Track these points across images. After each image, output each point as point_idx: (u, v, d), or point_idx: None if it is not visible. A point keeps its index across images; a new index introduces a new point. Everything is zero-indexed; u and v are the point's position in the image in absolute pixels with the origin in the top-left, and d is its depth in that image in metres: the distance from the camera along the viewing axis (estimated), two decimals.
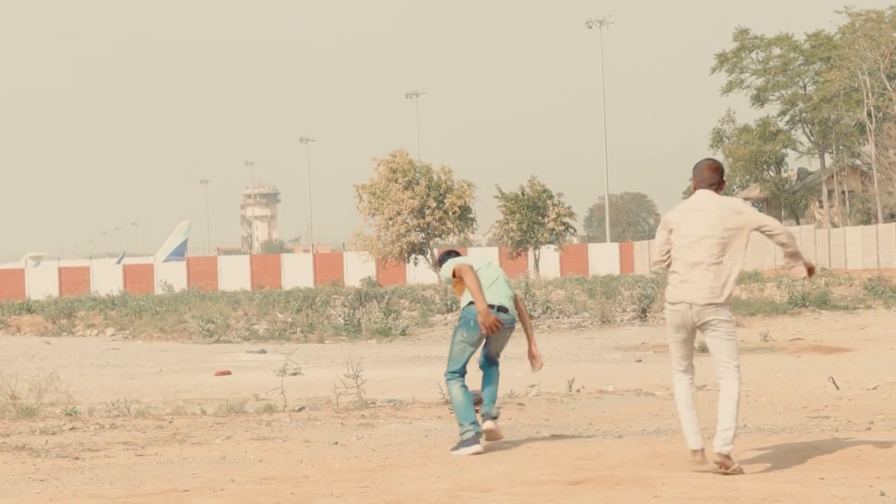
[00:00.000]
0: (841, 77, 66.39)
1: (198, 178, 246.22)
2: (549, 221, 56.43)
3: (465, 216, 53.90)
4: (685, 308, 8.26)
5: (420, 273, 61.00)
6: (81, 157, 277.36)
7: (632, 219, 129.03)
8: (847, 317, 30.48)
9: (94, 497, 7.82)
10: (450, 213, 53.10)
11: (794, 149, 74.40)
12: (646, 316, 30.63)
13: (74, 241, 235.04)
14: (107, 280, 71.59)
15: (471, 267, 10.19)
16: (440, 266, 10.48)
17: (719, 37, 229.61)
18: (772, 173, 75.02)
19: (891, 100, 64.29)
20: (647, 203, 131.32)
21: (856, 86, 65.93)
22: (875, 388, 14.46)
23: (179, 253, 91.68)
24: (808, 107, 71.38)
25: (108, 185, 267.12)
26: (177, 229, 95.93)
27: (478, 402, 12.18)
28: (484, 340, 10.13)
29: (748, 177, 75.59)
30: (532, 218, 56.10)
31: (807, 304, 32.25)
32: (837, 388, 14.43)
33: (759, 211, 8.71)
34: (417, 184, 53.08)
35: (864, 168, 71.78)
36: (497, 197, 57.09)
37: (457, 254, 10.71)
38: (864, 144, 69.84)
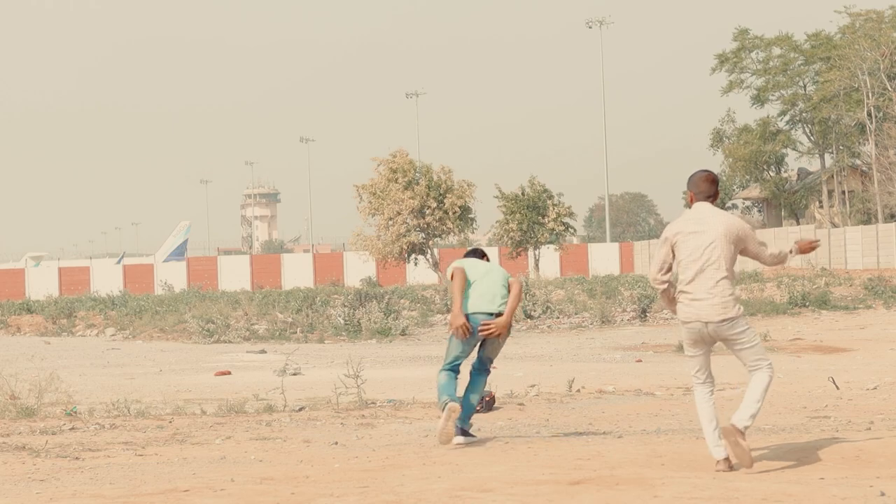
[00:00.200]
0: (841, 77, 66.38)
1: (198, 178, 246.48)
2: (549, 221, 56.43)
3: (465, 216, 53.90)
4: (700, 326, 8.31)
5: (420, 273, 61.00)
6: (81, 157, 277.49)
7: (632, 219, 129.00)
8: (847, 317, 30.47)
9: (94, 497, 7.82)
10: (450, 213, 53.10)
11: (794, 149, 74.39)
12: (646, 316, 30.63)
13: (74, 241, 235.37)
14: (107, 280, 71.60)
15: (462, 270, 10.42)
16: None
17: (719, 37, 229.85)
18: (772, 173, 74.99)
19: (891, 100, 64.28)
20: (647, 203, 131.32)
21: (856, 86, 65.92)
22: (875, 388, 14.46)
23: (179, 253, 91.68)
24: (808, 107, 71.37)
25: (108, 185, 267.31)
26: (177, 229, 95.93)
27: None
28: (478, 344, 10.42)
29: (748, 177, 75.56)
30: (532, 218, 56.11)
31: (807, 304, 32.24)
32: (837, 388, 14.43)
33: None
34: (417, 184, 53.09)
35: (864, 168, 71.76)
36: (497, 197, 57.11)
37: (481, 253, 10.82)
38: (864, 144, 69.82)
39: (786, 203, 74.81)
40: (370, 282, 62.06)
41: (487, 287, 10.46)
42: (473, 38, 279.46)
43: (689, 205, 8.68)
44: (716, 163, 75.94)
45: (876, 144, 65.17)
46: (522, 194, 56.55)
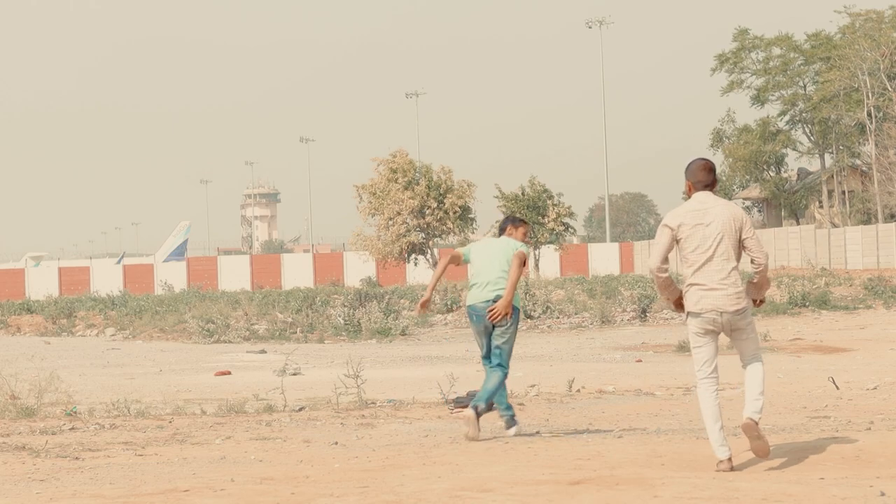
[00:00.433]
0: (841, 77, 66.37)
1: (198, 178, 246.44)
2: (549, 221, 56.42)
3: (465, 216, 53.87)
4: (715, 316, 8.33)
5: (420, 273, 61.00)
6: (81, 157, 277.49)
7: (632, 219, 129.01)
8: (847, 317, 30.47)
9: (94, 497, 7.82)
10: (450, 213, 53.08)
11: (794, 149, 74.37)
12: (646, 316, 30.63)
13: (74, 241, 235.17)
14: (107, 280, 71.57)
15: (457, 254, 10.94)
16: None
17: (719, 37, 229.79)
18: (772, 173, 74.98)
19: (891, 100, 64.28)
20: (647, 203, 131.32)
21: (856, 86, 65.91)
22: (875, 388, 14.46)
23: (179, 253, 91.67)
24: (808, 107, 71.35)
25: (108, 185, 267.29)
26: (177, 229, 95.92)
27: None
28: (488, 332, 10.65)
29: (748, 177, 75.55)
30: (532, 218, 56.09)
31: (807, 304, 32.24)
32: (837, 388, 14.43)
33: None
34: (417, 184, 53.07)
35: (864, 168, 71.75)
36: (497, 197, 57.08)
37: (516, 221, 11.15)
38: (864, 144, 69.81)
39: (786, 203, 74.80)
40: (370, 282, 62.07)
41: (485, 276, 10.70)
42: (473, 38, 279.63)
43: (687, 195, 8.65)
44: (716, 162, 75.77)
45: (876, 144, 65.16)
46: (522, 194, 56.54)
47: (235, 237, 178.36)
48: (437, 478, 8.16)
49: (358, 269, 68.35)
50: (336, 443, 10.46)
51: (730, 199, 75.61)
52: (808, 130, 73.50)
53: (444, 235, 54.73)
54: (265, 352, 24.90)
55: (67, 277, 75.35)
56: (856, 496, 7.14)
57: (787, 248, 62.00)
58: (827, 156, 73.50)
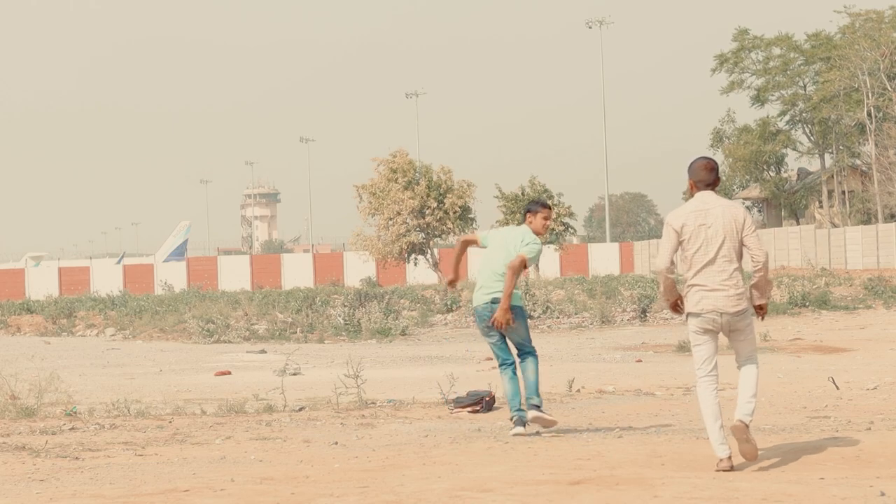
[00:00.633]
0: (841, 77, 66.37)
1: (198, 178, 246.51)
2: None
3: (465, 216, 53.87)
4: (715, 316, 8.35)
5: (420, 273, 61.00)
6: (81, 157, 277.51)
7: (632, 219, 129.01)
8: (847, 317, 30.47)
9: (94, 497, 7.82)
10: (450, 213, 53.07)
11: (794, 149, 74.36)
12: (646, 316, 30.62)
13: (74, 241, 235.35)
14: (107, 280, 71.55)
15: (475, 238, 11.05)
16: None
17: (719, 37, 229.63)
18: (772, 173, 74.98)
19: (891, 100, 64.27)
20: (647, 203, 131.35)
21: (856, 86, 65.91)
22: (875, 388, 14.46)
23: (179, 253, 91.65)
24: (808, 107, 71.35)
25: (108, 185, 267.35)
26: (177, 229, 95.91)
27: (478, 402, 12.36)
28: (496, 331, 10.69)
29: (748, 177, 75.54)
30: None
31: (807, 304, 32.24)
32: (837, 388, 14.43)
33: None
34: (417, 184, 53.07)
35: (864, 168, 71.75)
36: (497, 197, 57.07)
37: (540, 204, 11.04)
38: (864, 144, 69.81)
39: (786, 203, 74.81)
40: (370, 282, 62.04)
41: (483, 277, 10.80)
42: (473, 38, 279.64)
43: (690, 193, 8.65)
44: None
45: (876, 144, 65.16)
46: (522, 194, 56.51)
47: (235, 237, 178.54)
48: (437, 478, 8.16)
49: (358, 269, 68.33)
50: (336, 443, 10.46)
51: (730, 199, 75.57)
52: (808, 130, 73.51)
53: (444, 235, 54.72)
54: (265, 352, 24.90)
55: (67, 277, 75.35)
56: (856, 496, 7.15)
57: (787, 248, 62.01)
58: (827, 156, 73.51)
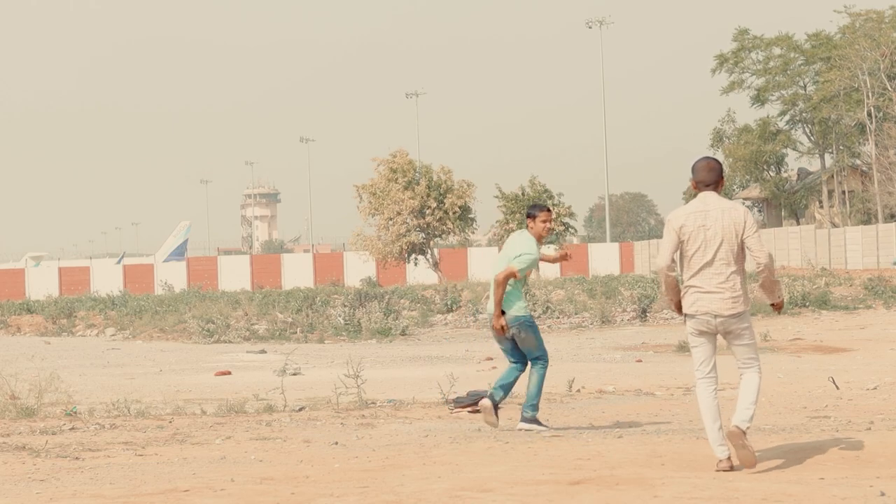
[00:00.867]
0: (841, 77, 66.37)
1: (198, 178, 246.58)
2: None
3: (465, 216, 53.91)
4: (709, 318, 8.31)
5: (420, 273, 61.01)
6: (81, 157, 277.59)
7: (632, 219, 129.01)
8: (847, 317, 30.47)
9: (94, 497, 7.82)
10: (450, 213, 53.10)
11: (794, 149, 74.36)
12: (646, 316, 30.62)
13: (74, 241, 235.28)
14: (107, 280, 71.55)
15: (500, 282, 10.94)
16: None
17: (719, 37, 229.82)
18: (772, 173, 74.98)
19: (891, 100, 64.27)
20: (647, 203, 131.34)
21: (856, 86, 65.91)
22: (875, 388, 14.46)
23: (179, 253, 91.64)
24: (808, 107, 71.35)
25: (108, 185, 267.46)
26: (177, 229, 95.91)
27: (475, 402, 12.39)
28: (504, 339, 10.92)
29: (748, 177, 75.54)
30: None
31: (807, 304, 32.24)
32: (837, 388, 14.43)
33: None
34: (417, 184, 53.09)
35: (864, 168, 71.75)
36: (497, 197, 57.09)
37: (539, 209, 11.27)
38: (864, 144, 69.82)
39: (786, 203, 74.80)
40: (370, 282, 62.02)
41: (492, 281, 10.88)
42: (473, 38, 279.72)
43: (693, 192, 8.63)
44: None
45: (876, 144, 65.16)
46: (522, 194, 56.53)
47: (235, 237, 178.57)
48: (437, 478, 8.16)
49: (358, 269, 68.32)
50: (336, 443, 10.46)
51: (730, 199, 75.57)
52: (808, 130, 73.51)
53: (444, 235, 54.76)
54: (265, 352, 24.90)
55: (67, 277, 75.33)
56: (856, 496, 7.15)
57: (787, 248, 61.99)
58: (827, 156, 73.51)
